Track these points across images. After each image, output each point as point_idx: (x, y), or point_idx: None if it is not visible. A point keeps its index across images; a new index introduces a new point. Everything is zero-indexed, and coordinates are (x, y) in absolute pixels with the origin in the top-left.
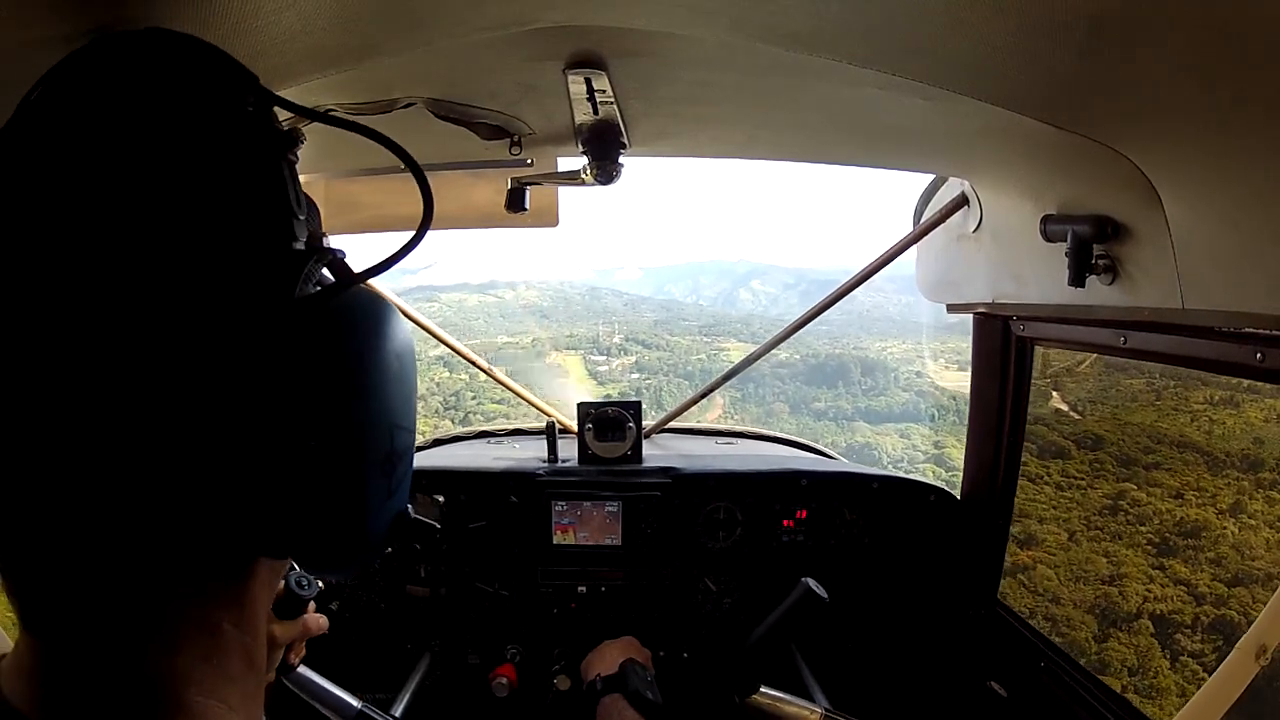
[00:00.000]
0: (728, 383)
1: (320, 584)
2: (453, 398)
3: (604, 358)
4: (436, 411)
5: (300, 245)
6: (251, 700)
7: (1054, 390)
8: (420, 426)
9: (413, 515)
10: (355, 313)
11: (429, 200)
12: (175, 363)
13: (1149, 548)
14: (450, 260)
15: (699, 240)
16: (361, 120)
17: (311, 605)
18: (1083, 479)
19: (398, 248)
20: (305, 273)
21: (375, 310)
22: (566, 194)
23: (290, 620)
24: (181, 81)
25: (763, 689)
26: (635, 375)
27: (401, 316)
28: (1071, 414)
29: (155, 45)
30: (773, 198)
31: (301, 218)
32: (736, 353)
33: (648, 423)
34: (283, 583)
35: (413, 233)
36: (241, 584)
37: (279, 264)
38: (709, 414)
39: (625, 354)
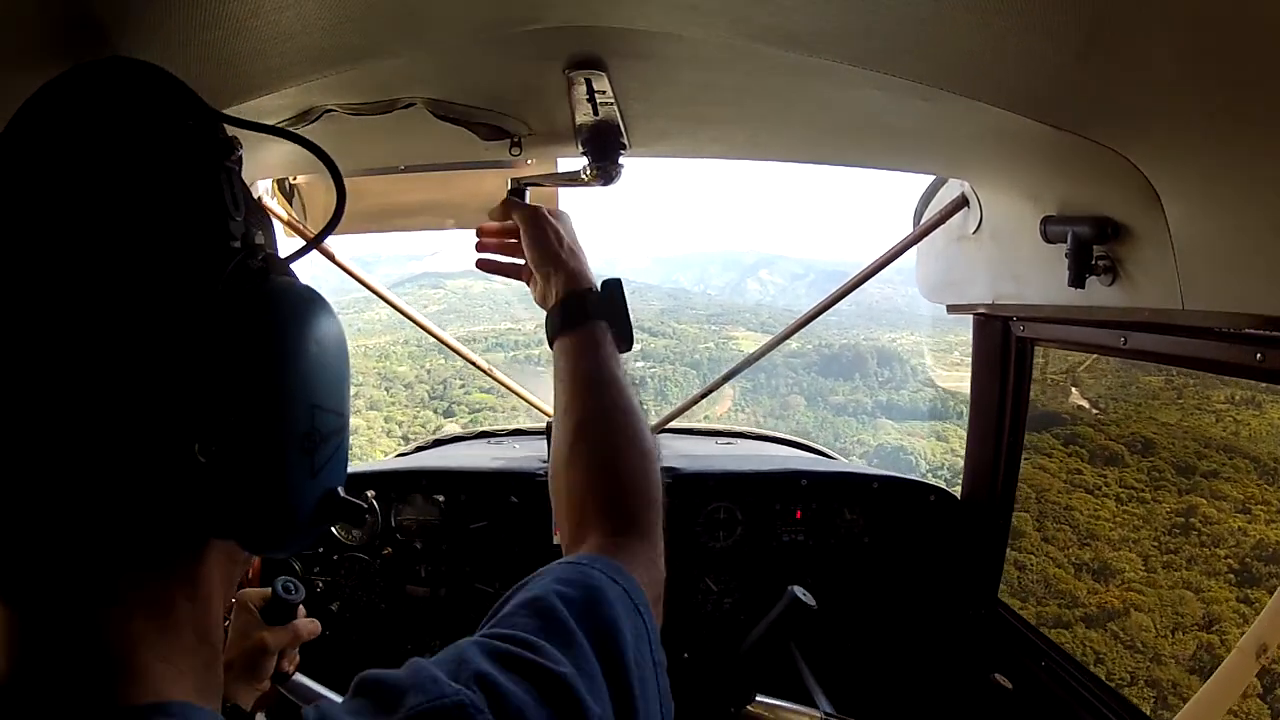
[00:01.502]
0: (741, 373)
1: (304, 589)
2: (440, 386)
3: None
4: (421, 401)
5: (236, 244)
6: (207, 674)
7: (1073, 386)
8: (398, 416)
9: (343, 495)
10: (275, 301)
11: (341, 194)
12: (109, 348)
13: (1230, 575)
14: (456, 247)
15: (707, 230)
16: (362, 120)
17: (302, 610)
18: (1143, 489)
19: (405, 243)
20: (234, 266)
21: (297, 300)
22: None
23: (280, 626)
24: (129, 105)
25: (758, 698)
26: (640, 364)
27: (328, 308)
28: (1093, 410)
29: (112, 74)
30: (782, 189)
31: (238, 218)
32: (746, 341)
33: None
34: (270, 589)
35: (424, 230)
36: (194, 563)
37: (210, 260)
38: (717, 408)
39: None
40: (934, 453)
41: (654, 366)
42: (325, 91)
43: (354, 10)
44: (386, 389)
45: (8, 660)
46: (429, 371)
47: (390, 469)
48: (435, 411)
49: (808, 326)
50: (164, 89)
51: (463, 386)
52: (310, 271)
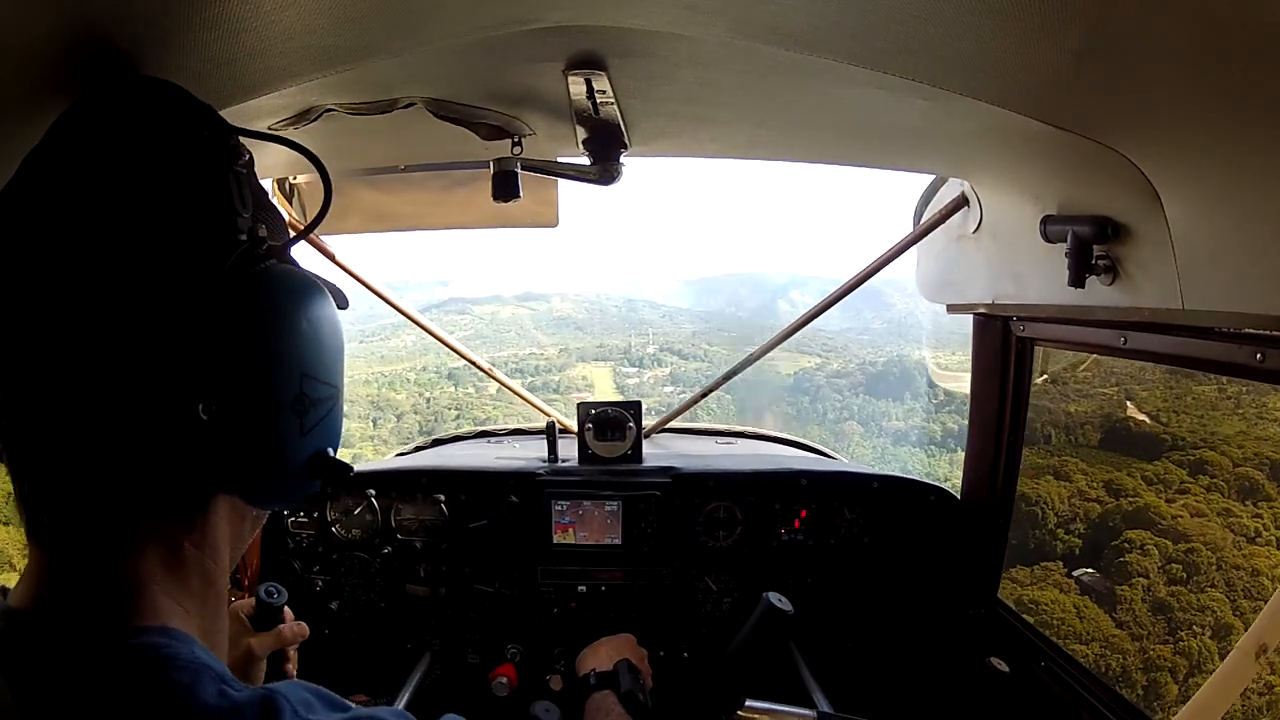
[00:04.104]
0: (783, 397)
1: (287, 593)
2: (432, 418)
3: (635, 369)
4: (408, 436)
5: (243, 236)
6: (210, 616)
7: (1128, 400)
8: (369, 453)
9: (331, 455)
10: (270, 283)
11: (328, 192)
12: (133, 327)
13: None
14: (484, 272)
15: (738, 252)
16: (362, 119)
17: (289, 614)
18: None
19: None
20: (240, 255)
21: (289, 282)
22: (603, 205)
23: (266, 631)
24: (151, 120)
25: (748, 703)
26: (669, 388)
27: (321, 292)
28: (1154, 424)
29: (137, 93)
30: (812, 208)
31: (245, 215)
32: (784, 363)
33: (648, 422)
34: (253, 598)
35: (433, 230)
36: (201, 514)
37: (219, 250)
38: None
39: (659, 365)
40: (1060, 498)
41: (684, 392)
42: (325, 91)
43: (354, 10)
44: (373, 420)
45: (38, 591)
46: (428, 401)
47: (390, 468)
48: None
49: (844, 345)
50: (183, 106)
51: (457, 418)
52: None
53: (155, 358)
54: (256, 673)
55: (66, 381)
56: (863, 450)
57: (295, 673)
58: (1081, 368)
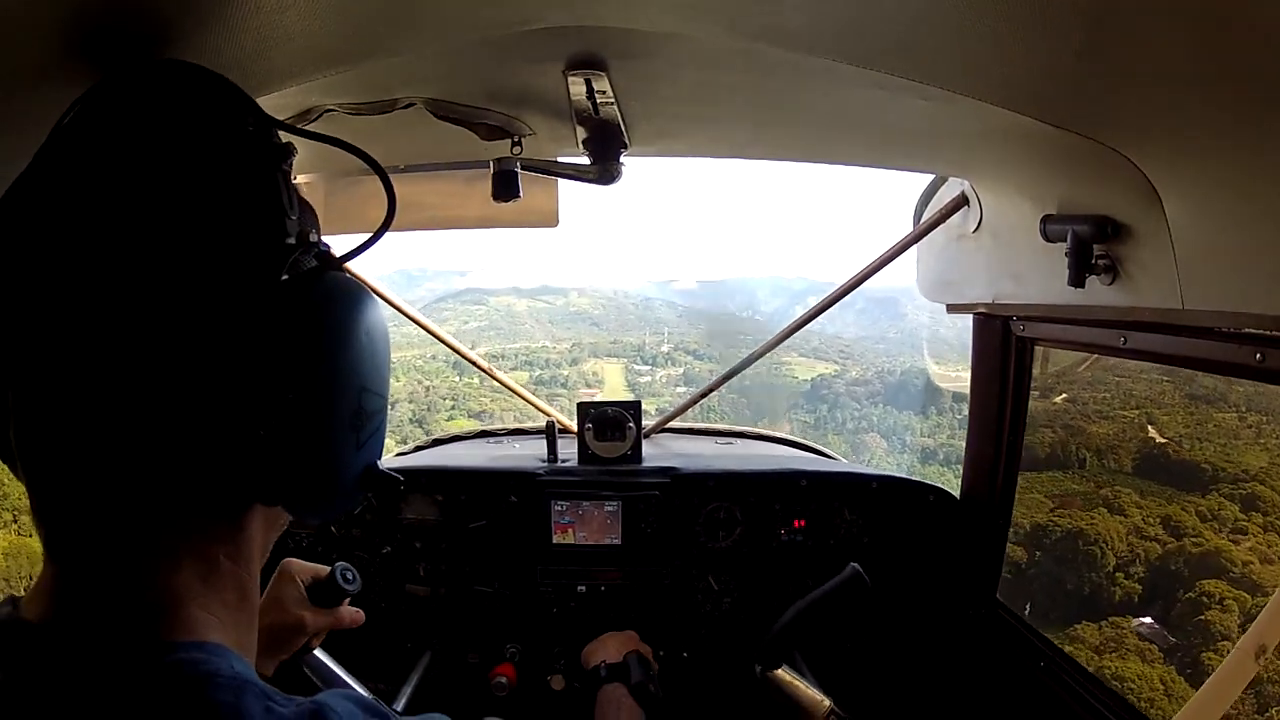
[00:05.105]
0: (800, 404)
1: (361, 582)
2: (425, 408)
3: (648, 367)
4: (392, 427)
5: (292, 240)
6: (244, 628)
7: (1149, 424)
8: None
9: (381, 468)
10: (331, 293)
11: (392, 198)
12: (180, 335)
13: None
14: (502, 263)
15: (756, 255)
16: (361, 119)
17: (346, 601)
18: None
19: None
20: (292, 261)
21: (349, 293)
22: (624, 203)
23: (326, 610)
24: (193, 108)
25: (785, 667)
26: (682, 388)
27: (375, 300)
28: (1184, 452)
29: (171, 77)
30: (829, 214)
31: (294, 217)
32: (800, 368)
33: (647, 423)
34: (328, 571)
35: (434, 230)
36: (237, 525)
37: (271, 254)
38: None
39: (673, 364)
40: (1119, 535)
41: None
42: (325, 91)
43: (355, 11)
44: None
45: (50, 605)
46: (427, 389)
47: (389, 468)
48: (397, 440)
49: (862, 354)
50: (224, 93)
51: (452, 408)
52: None
53: (208, 367)
54: (296, 643)
55: (108, 389)
56: (886, 466)
57: (315, 647)
58: (1084, 367)
